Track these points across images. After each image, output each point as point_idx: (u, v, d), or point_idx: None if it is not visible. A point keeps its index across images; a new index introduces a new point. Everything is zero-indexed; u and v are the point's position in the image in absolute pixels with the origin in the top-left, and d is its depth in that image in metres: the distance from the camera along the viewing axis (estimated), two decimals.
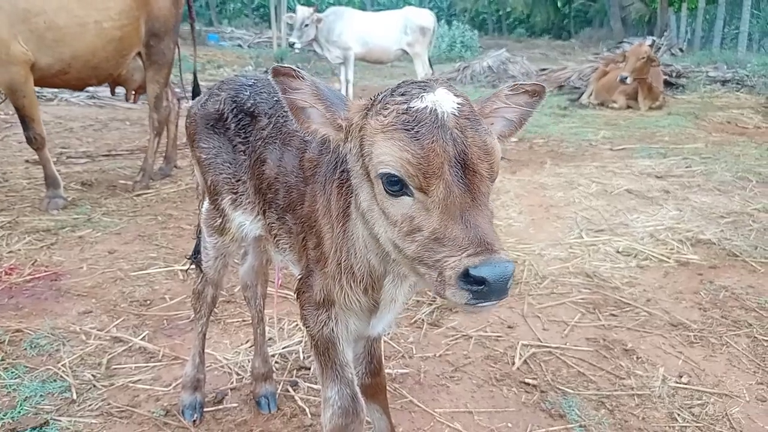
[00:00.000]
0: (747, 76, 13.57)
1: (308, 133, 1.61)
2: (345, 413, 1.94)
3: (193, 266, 2.79)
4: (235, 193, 2.32)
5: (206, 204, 2.51)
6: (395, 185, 1.41)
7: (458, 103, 1.43)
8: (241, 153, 2.25)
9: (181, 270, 4.18)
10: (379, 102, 1.50)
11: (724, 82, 13.62)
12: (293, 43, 11.77)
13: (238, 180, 2.29)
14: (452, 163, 1.36)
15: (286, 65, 1.56)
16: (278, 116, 2.16)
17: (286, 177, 2.02)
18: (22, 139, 7.52)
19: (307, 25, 11.59)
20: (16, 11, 4.92)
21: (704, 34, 23.18)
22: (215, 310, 3.68)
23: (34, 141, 5.41)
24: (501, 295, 1.32)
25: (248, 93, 2.29)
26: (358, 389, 2.01)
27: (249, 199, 2.28)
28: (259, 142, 2.17)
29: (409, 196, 1.41)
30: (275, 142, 2.10)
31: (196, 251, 2.75)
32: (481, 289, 1.30)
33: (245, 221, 2.34)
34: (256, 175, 2.18)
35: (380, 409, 2.36)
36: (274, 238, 2.17)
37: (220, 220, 2.43)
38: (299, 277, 2.02)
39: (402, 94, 1.46)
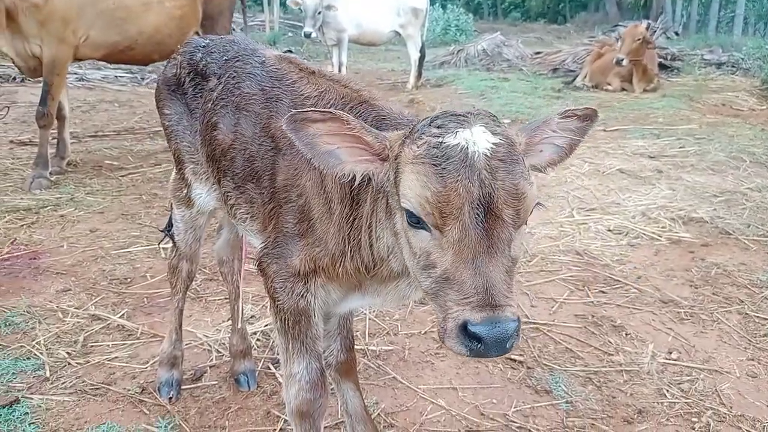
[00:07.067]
0: (742, 59, 13.42)
1: (342, 176, 1.48)
2: (314, 387, 1.85)
3: (168, 240, 2.71)
4: (195, 163, 2.24)
5: (173, 173, 2.44)
6: (414, 217, 1.37)
7: (493, 143, 1.36)
8: (196, 118, 2.18)
9: (162, 248, 4.08)
10: (417, 131, 1.42)
11: (719, 65, 13.52)
12: (309, 33, 11.58)
13: (196, 148, 2.21)
14: (474, 205, 1.30)
15: (308, 110, 1.44)
16: (228, 77, 2.06)
17: (246, 144, 1.92)
18: (8, 120, 7.47)
19: (320, 13, 11.45)
20: None
21: (700, 17, 23.06)
22: (197, 288, 3.62)
23: (44, 117, 5.50)
24: (500, 353, 1.27)
25: (201, 54, 2.24)
26: (323, 364, 1.94)
27: (203, 168, 2.20)
28: (209, 105, 2.07)
29: (426, 230, 1.36)
30: (227, 106, 2.00)
31: (170, 224, 2.67)
32: (478, 347, 1.25)
33: (202, 192, 2.28)
34: (206, 141, 2.09)
35: (353, 387, 2.28)
36: (231, 208, 2.07)
37: (186, 191, 2.36)
38: (262, 247, 1.89)
39: (438, 126, 1.40)
